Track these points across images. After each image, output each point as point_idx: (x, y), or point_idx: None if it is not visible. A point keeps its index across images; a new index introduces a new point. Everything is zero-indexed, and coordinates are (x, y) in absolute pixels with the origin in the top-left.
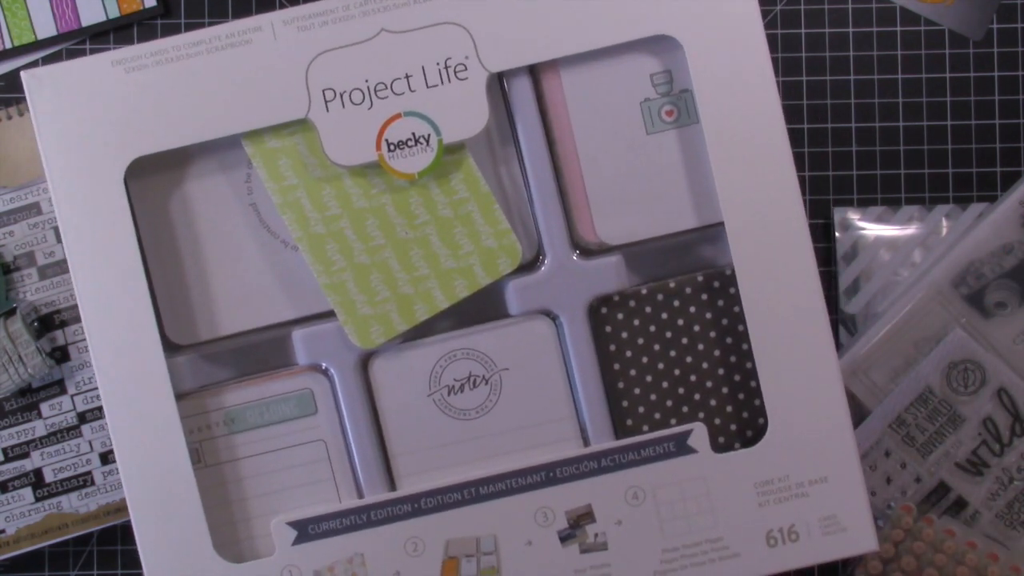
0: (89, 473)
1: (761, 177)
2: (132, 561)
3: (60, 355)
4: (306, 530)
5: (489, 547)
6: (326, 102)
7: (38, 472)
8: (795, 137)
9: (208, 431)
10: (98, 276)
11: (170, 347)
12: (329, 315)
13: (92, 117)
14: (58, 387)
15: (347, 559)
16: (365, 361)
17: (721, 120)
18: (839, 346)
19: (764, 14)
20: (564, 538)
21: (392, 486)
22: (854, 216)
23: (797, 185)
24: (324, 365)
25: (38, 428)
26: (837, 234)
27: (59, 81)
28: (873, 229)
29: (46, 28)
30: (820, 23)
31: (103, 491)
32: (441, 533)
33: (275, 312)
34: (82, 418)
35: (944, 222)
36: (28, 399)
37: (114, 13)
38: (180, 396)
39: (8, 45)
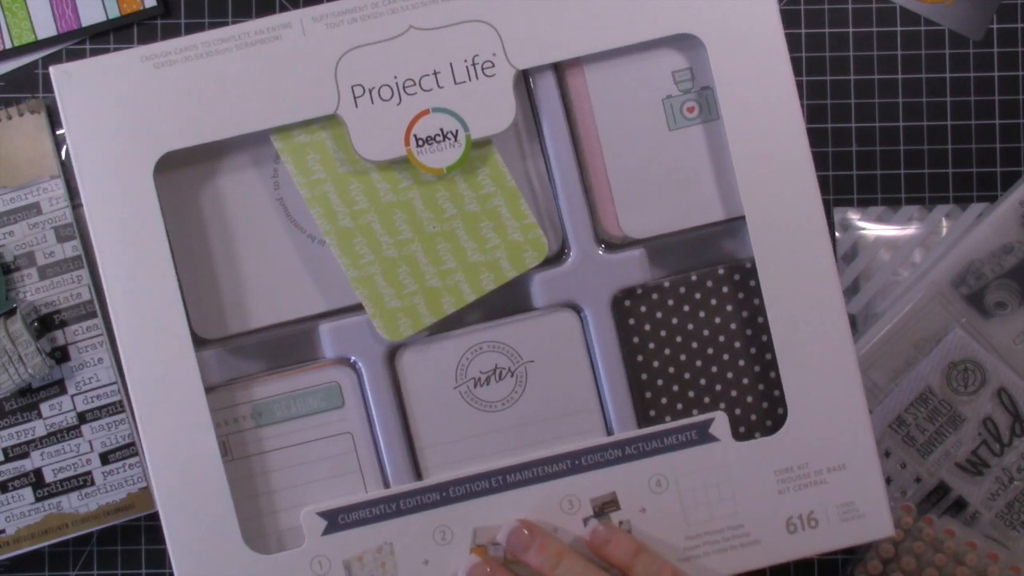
0: (89, 473)
1: (781, 172)
2: (132, 561)
3: (60, 355)
4: (336, 520)
5: None
6: (355, 98)
7: (38, 472)
8: None
9: (236, 424)
10: (127, 271)
11: (198, 341)
12: (356, 309)
13: (121, 112)
14: (58, 387)
15: (376, 548)
16: (392, 354)
17: (742, 116)
18: None
19: None
20: None
21: (418, 478)
22: (854, 216)
23: (815, 180)
24: (351, 358)
25: (38, 428)
26: (837, 234)
27: (87, 77)
28: (873, 229)
29: (46, 28)
30: (820, 23)
31: (103, 491)
32: (469, 521)
33: (302, 306)
34: (82, 418)
35: (944, 222)
36: (28, 399)
37: (114, 13)
38: (208, 390)
39: (8, 45)
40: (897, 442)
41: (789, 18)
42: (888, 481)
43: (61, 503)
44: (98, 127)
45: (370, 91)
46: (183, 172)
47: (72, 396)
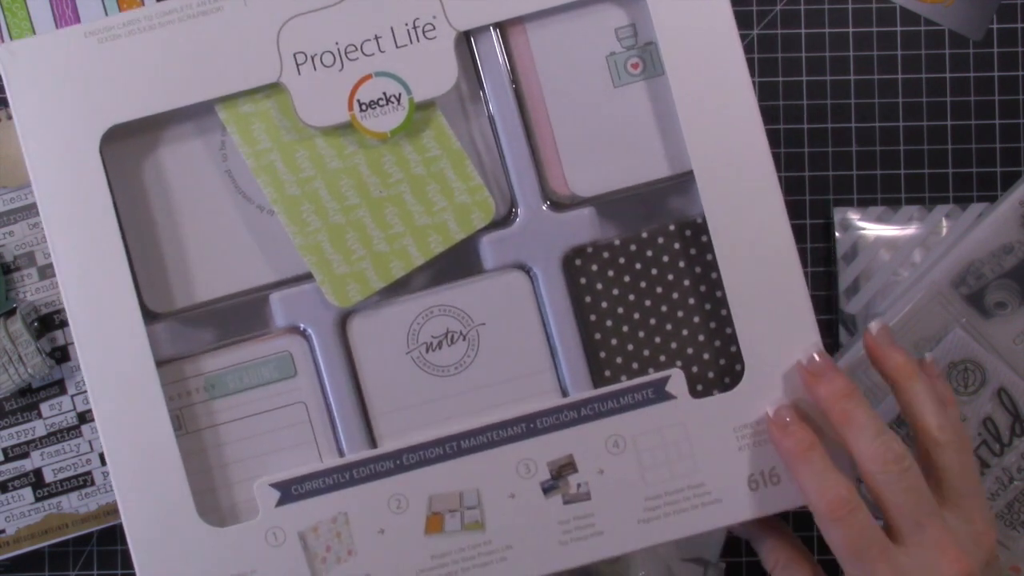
0: (89, 473)
1: (728, 125)
2: (132, 561)
3: (60, 355)
4: (289, 491)
5: (472, 501)
6: (297, 65)
7: (38, 472)
8: (795, 137)
9: (188, 397)
10: (76, 245)
11: (148, 315)
12: (306, 278)
13: (66, 88)
14: (58, 387)
15: (331, 519)
16: (343, 321)
17: (686, 71)
18: (839, 346)
19: (764, 14)
20: (547, 489)
21: (373, 445)
22: (854, 216)
23: (763, 131)
24: (302, 326)
25: (38, 428)
26: (837, 234)
27: (33, 54)
28: (873, 229)
29: (46, 27)
30: (820, 23)
31: (103, 491)
32: (424, 489)
33: (253, 277)
34: (82, 418)
35: (944, 222)
36: (28, 399)
37: (114, 12)
38: (160, 363)
39: None
40: None
41: (789, 18)
42: None
43: (61, 503)
44: (44, 103)
45: (312, 58)
46: (130, 145)
47: (72, 396)
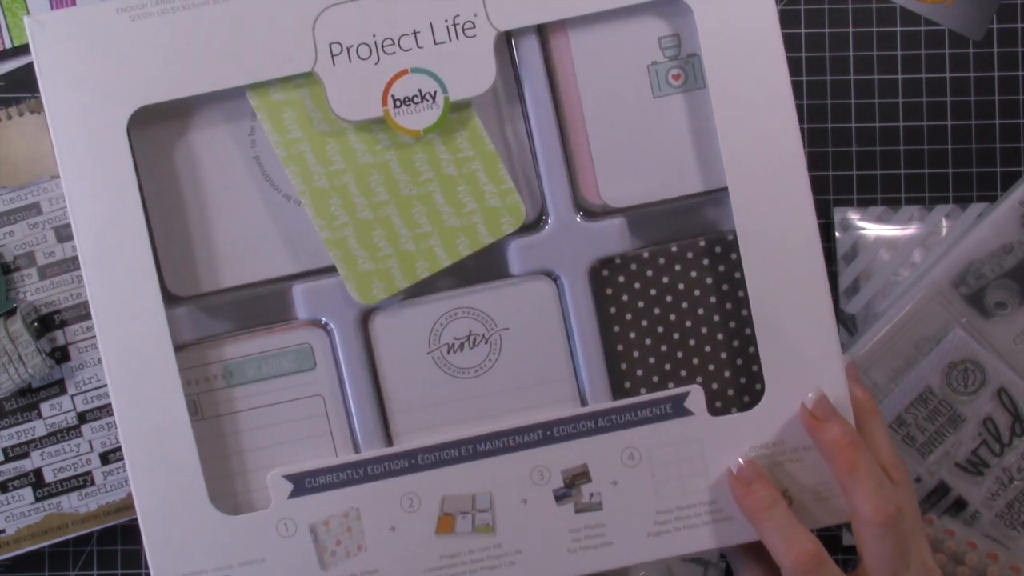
0: (89, 473)
1: (766, 144)
2: (132, 561)
3: (60, 355)
4: (303, 483)
5: (484, 504)
6: (332, 56)
7: (38, 472)
8: None
9: (206, 383)
10: (99, 226)
11: (170, 299)
12: (330, 270)
13: (95, 65)
14: (58, 387)
15: (343, 513)
16: (365, 317)
17: (728, 85)
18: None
19: None
20: (559, 497)
21: (389, 442)
22: (854, 216)
23: (802, 152)
24: (324, 320)
25: (38, 428)
26: (837, 234)
27: (62, 28)
28: (873, 229)
29: None
30: (820, 23)
31: (103, 491)
32: (437, 489)
33: (276, 266)
34: (82, 418)
35: (944, 222)
36: (28, 399)
37: None
38: (179, 348)
39: (8, 45)
40: (897, 442)
41: (789, 18)
42: None
43: (61, 503)
44: (72, 79)
45: (348, 49)
46: (158, 127)
47: (72, 396)
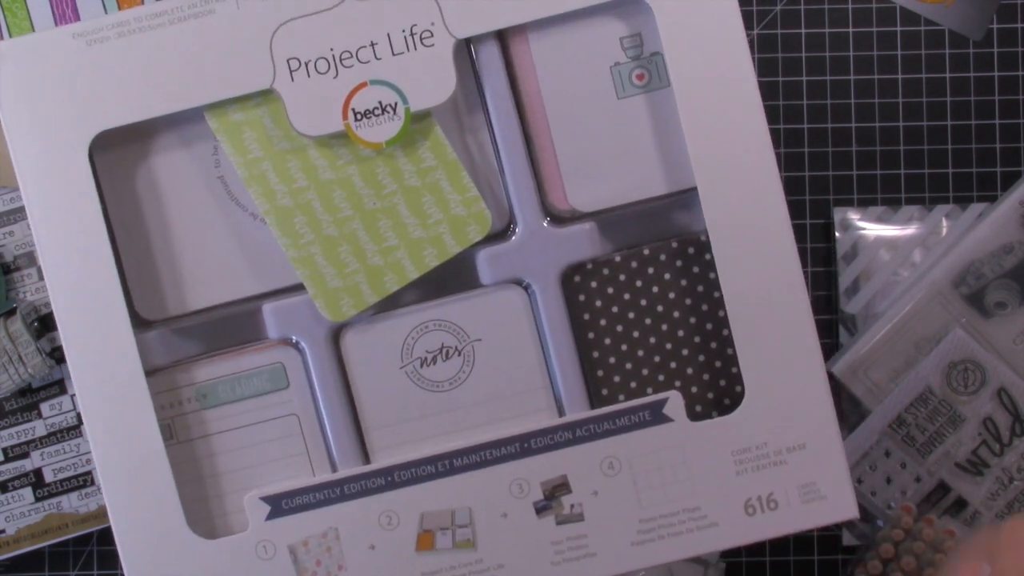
0: (89, 473)
1: (733, 140)
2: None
3: (60, 355)
4: (280, 505)
5: (464, 520)
6: (291, 72)
7: (38, 472)
8: (795, 137)
9: (180, 407)
10: (65, 252)
11: (139, 323)
12: (300, 288)
13: (54, 91)
14: (58, 387)
15: (321, 533)
16: (336, 334)
17: (692, 83)
18: (839, 346)
19: (764, 14)
20: (540, 509)
21: (366, 459)
22: (854, 216)
23: (771, 148)
24: (295, 339)
25: (38, 428)
26: (837, 234)
27: (19, 56)
28: (873, 229)
29: (46, 27)
30: (820, 23)
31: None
32: (416, 506)
33: (245, 286)
34: (82, 418)
35: (944, 222)
36: (28, 399)
37: (114, 12)
38: (150, 372)
39: None
40: (897, 442)
41: (789, 18)
42: (888, 481)
43: (61, 503)
44: (32, 106)
45: (306, 64)
46: (120, 151)
47: (72, 396)
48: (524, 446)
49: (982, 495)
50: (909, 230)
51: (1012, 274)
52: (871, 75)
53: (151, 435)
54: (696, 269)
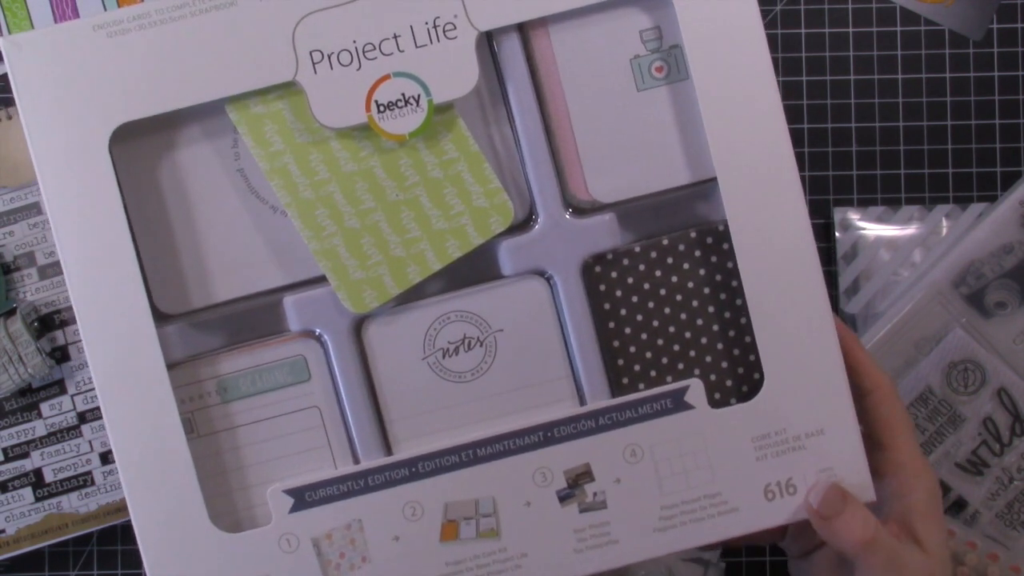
0: (89, 473)
1: (753, 132)
2: (132, 561)
3: (60, 355)
4: (303, 498)
5: (488, 509)
6: (314, 64)
7: (38, 472)
8: (795, 137)
9: (201, 400)
10: (84, 246)
11: (160, 317)
12: (321, 280)
13: (74, 83)
14: (58, 387)
15: (345, 525)
16: (358, 326)
17: (712, 75)
18: None
19: (764, 14)
20: (563, 498)
21: (388, 451)
22: (854, 216)
23: (788, 139)
24: (317, 331)
25: (38, 428)
26: (837, 234)
27: (39, 47)
28: (873, 229)
29: (45, 26)
30: (820, 23)
31: (103, 491)
32: (439, 496)
33: (266, 278)
34: (82, 418)
35: (944, 222)
36: (28, 399)
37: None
38: (171, 366)
39: None
40: None
41: (789, 18)
42: None
43: (61, 503)
44: (51, 99)
45: (329, 56)
46: (140, 143)
47: (72, 396)
48: (547, 435)
49: (982, 495)
50: (909, 230)
51: (1012, 274)
52: (871, 75)
53: (172, 429)
54: (715, 258)
